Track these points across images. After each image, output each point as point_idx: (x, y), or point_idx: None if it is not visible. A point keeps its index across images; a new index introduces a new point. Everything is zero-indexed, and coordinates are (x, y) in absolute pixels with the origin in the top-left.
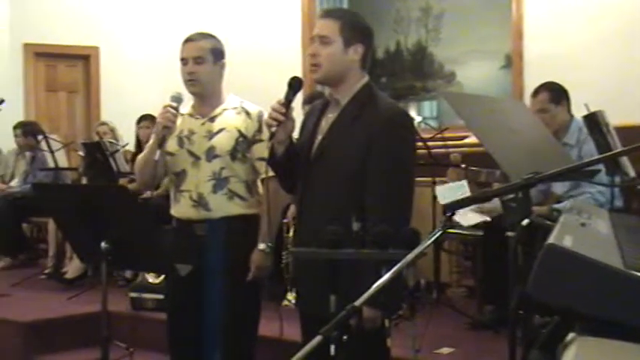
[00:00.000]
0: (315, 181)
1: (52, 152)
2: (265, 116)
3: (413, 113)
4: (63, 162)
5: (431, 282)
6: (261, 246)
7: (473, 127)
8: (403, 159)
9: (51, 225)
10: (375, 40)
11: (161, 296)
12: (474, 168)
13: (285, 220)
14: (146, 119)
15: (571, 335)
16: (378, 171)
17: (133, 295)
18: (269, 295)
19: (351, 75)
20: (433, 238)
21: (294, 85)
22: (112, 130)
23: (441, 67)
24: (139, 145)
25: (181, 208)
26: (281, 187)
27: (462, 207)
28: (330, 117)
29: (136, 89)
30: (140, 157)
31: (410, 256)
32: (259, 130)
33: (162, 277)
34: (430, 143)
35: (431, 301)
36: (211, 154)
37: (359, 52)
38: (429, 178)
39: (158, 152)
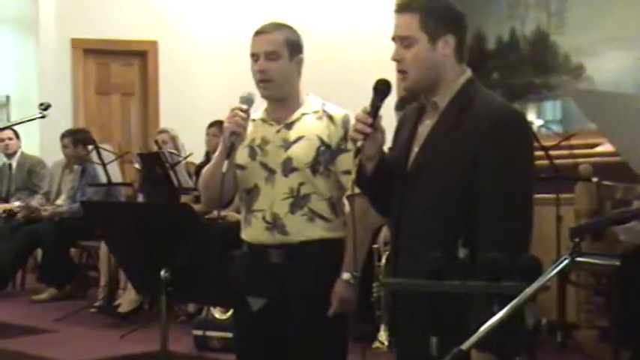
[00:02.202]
0: (412, 200)
1: (103, 165)
2: (351, 123)
3: (531, 116)
4: (116, 176)
5: (554, 322)
6: (346, 276)
7: (606, 132)
8: (519, 172)
9: (102, 250)
10: (483, 27)
11: (229, 334)
12: (608, 182)
13: (375, 246)
14: (216, 126)
15: None
16: (488, 187)
17: (197, 332)
18: (356, 334)
19: (447, 73)
20: (558, 269)
21: (381, 89)
22: (173, 139)
23: (567, 58)
24: (208, 157)
25: (253, 231)
26: (372, 208)
27: (592, 230)
28: (427, 124)
29: (201, 91)
30: (205, 169)
31: (529, 290)
32: (345, 138)
33: (231, 311)
34: (553, 152)
35: (555, 345)
36: (288, 167)
37: (450, 43)
38: (552, 195)
39: (226, 164)
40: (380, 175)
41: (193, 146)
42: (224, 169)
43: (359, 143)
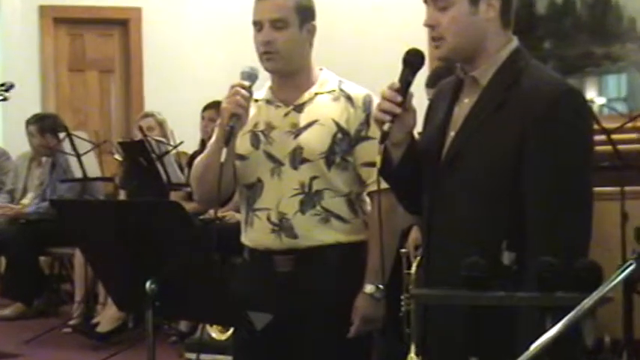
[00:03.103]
0: (448, 195)
1: (78, 156)
2: (374, 105)
3: (591, 93)
4: (93, 169)
5: (619, 340)
6: (369, 288)
7: None
8: (575, 160)
9: (77, 258)
10: None
11: (228, 358)
12: None
13: (403, 250)
14: (212, 108)
15: None
16: (538, 179)
17: (190, 355)
18: (382, 355)
19: (490, 41)
20: (623, 276)
21: (413, 60)
22: (161, 125)
23: (633, 24)
24: (203, 146)
25: (256, 234)
26: (400, 205)
27: None
28: (465, 103)
29: (194, 67)
30: (199, 160)
31: (588, 302)
32: (367, 123)
33: (231, 331)
34: (617, 136)
35: None
36: (298, 157)
37: (494, 5)
38: (616, 188)
39: (224, 152)
40: (409, 164)
41: (185, 133)
42: (222, 158)
43: (385, 126)
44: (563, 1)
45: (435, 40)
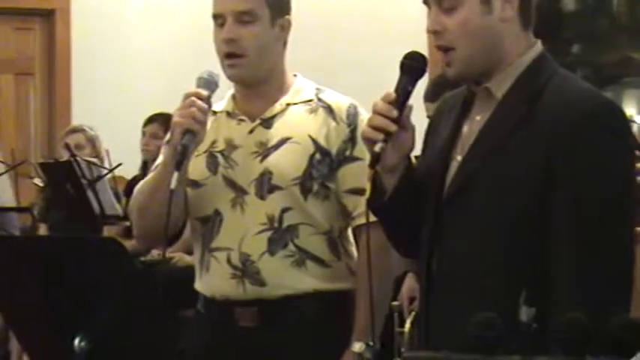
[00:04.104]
0: (452, 234)
1: None
2: (362, 120)
3: (630, 109)
4: (7, 197)
5: None
6: (358, 346)
7: None
8: (612, 193)
9: None
10: None
11: None
12: None
13: (395, 303)
14: (157, 121)
15: None
16: (565, 216)
17: None
18: None
19: (507, 46)
20: None
21: (413, 67)
22: (93, 142)
23: None
24: (145, 169)
25: (213, 281)
26: (392, 246)
27: None
28: (476, 121)
29: (134, 70)
30: (141, 186)
31: None
32: (351, 139)
33: None
34: None
35: None
36: (266, 184)
37: (512, 1)
38: None
39: (175, 176)
40: (405, 195)
41: (123, 153)
42: (172, 185)
43: (377, 147)
44: None
45: (441, 50)
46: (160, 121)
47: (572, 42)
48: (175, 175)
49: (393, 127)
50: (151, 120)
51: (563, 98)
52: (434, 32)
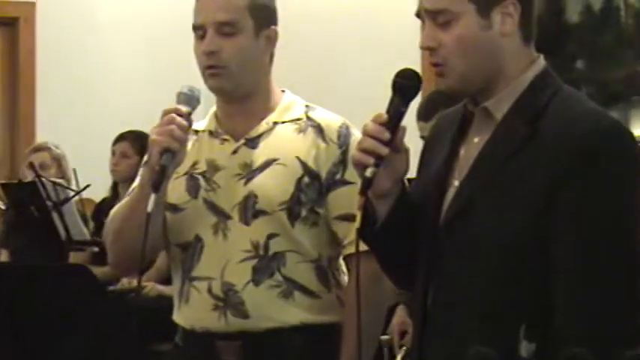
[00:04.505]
0: (448, 265)
1: None
2: (354, 140)
3: (638, 129)
4: None
5: None
6: None
7: None
8: (621, 221)
9: None
10: None
11: None
12: None
13: (385, 338)
14: (127, 139)
15: None
16: (570, 246)
17: None
18: None
19: (508, 62)
20: None
21: (406, 86)
22: (59, 161)
23: None
24: (116, 191)
25: (193, 312)
26: (385, 276)
27: None
28: (474, 143)
29: (105, 83)
30: (118, 209)
31: None
32: (343, 162)
33: None
34: None
35: None
36: (251, 209)
37: (512, 14)
38: None
39: (152, 199)
40: (399, 222)
41: (91, 173)
42: (149, 208)
43: (368, 171)
44: (603, 6)
45: (436, 66)
46: (131, 139)
47: (575, 57)
48: (153, 197)
49: (384, 151)
50: (120, 138)
51: (567, 118)
52: (428, 48)
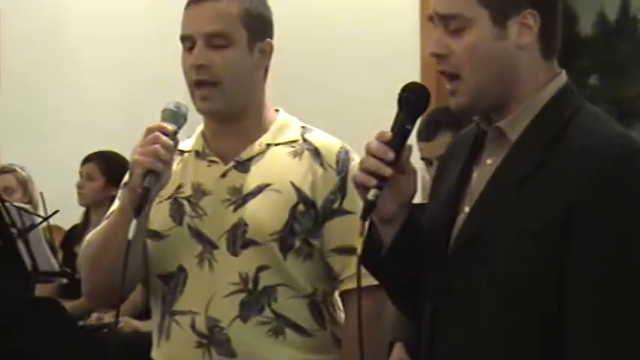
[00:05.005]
0: (458, 296)
1: None
2: (354, 166)
3: None
4: None
5: None
6: None
7: None
8: None
9: None
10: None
11: None
12: None
13: None
14: (92, 161)
15: None
16: (587, 281)
17: None
18: None
19: (524, 77)
20: None
21: (413, 101)
22: (24, 184)
23: None
24: (88, 217)
25: (174, 350)
26: (388, 312)
27: None
28: (487, 166)
29: (75, 97)
30: (93, 235)
31: None
32: (341, 189)
33: None
34: None
35: None
36: (240, 238)
37: (530, 25)
38: None
39: (134, 225)
40: (405, 249)
41: (60, 197)
42: (130, 234)
43: (371, 194)
44: (619, 17)
45: (446, 77)
46: (97, 160)
47: (588, 72)
48: (134, 222)
49: (388, 171)
50: (87, 159)
51: (587, 141)
52: (437, 56)
